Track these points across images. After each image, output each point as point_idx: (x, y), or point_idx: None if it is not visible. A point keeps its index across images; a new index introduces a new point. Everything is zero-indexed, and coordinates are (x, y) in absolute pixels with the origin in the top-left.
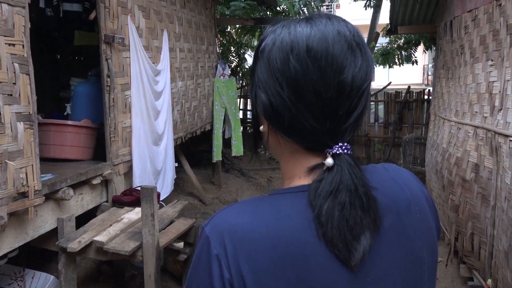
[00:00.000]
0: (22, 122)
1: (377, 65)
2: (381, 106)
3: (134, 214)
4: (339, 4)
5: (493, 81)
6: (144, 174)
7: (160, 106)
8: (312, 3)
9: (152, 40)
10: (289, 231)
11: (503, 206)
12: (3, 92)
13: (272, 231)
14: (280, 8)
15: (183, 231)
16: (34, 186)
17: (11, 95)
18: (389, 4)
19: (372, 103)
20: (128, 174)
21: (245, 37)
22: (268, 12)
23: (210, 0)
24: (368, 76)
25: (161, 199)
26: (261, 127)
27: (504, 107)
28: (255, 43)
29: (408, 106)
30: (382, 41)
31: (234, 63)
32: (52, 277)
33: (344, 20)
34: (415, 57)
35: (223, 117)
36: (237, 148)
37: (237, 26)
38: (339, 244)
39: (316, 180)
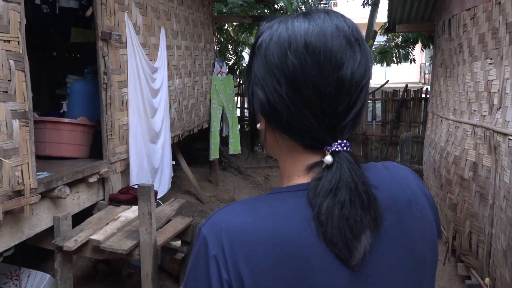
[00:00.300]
0: (17, 120)
1: (375, 63)
2: (378, 105)
3: (131, 212)
4: (336, 2)
5: (492, 80)
6: (141, 172)
7: (157, 103)
8: (310, 0)
9: (150, 37)
10: (289, 231)
11: (502, 205)
12: None
13: (271, 231)
14: (278, 6)
15: (181, 229)
16: (30, 184)
17: (7, 92)
18: (387, 2)
19: (369, 101)
20: (125, 172)
21: (243, 35)
22: (265, 10)
23: None
24: (367, 72)
25: (158, 197)
26: (258, 125)
27: (503, 106)
28: (253, 40)
29: (406, 105)
30: (380, 39)
31: (232, 61)
32: (48, 276)
33: (342, 16)
34: (413, 55)
35: (220, 115)
36: (235, 146)
37: (235, 23)
38: (339, 243)
39: (315, 179)
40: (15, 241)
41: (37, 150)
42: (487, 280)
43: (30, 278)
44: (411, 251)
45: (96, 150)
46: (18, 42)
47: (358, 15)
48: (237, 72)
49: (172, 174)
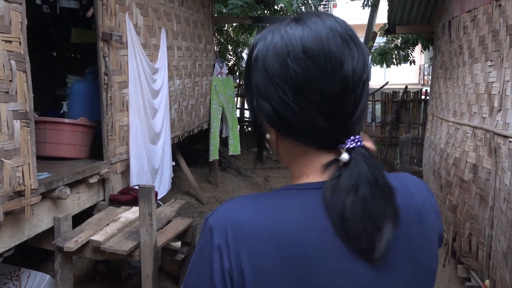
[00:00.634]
0: (18, 120)
1: (375, 64)
2: (378, 106)
3: (131, 213)
4: (336, 3)
5: (492, 82)
6: (142, 173)
7: (158, 104)
8: (310, 1)
9: (150, 38)
10: (294, 227)
11: (502, 207)
12: None
13: (276, 226)
14: (278, 6)
15: (181, 230)
16: (30, 185)
17: (8, 92)
18: (387, 3)
19: (369, 102)
20: (125, 173)
21: (243, 36)
22: (265, 11)
23: None
24: (366, 65)
25: (158, 198)
26: (267, 135)
27: (504, 108)
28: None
29: (405, 106)
30: (380, 40)
31: (232, 62)
32: (48, 276)
33: (332, 16)
34: (413, 57)
35: (220, 116)
36: (234, 147)
37: (235, 24)
38: (363, 237)
39: (332, 177)
40: (15, 241)
41: (37, 150)
42: (487, 282)
43: (30, 279)
44: (418, 262)
45: (96, 150)
46: (20, 42)
47: (358, 16)
48: (237, 73)
49: (172, 175)
